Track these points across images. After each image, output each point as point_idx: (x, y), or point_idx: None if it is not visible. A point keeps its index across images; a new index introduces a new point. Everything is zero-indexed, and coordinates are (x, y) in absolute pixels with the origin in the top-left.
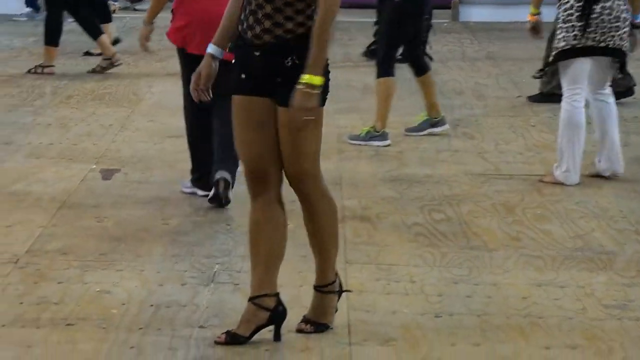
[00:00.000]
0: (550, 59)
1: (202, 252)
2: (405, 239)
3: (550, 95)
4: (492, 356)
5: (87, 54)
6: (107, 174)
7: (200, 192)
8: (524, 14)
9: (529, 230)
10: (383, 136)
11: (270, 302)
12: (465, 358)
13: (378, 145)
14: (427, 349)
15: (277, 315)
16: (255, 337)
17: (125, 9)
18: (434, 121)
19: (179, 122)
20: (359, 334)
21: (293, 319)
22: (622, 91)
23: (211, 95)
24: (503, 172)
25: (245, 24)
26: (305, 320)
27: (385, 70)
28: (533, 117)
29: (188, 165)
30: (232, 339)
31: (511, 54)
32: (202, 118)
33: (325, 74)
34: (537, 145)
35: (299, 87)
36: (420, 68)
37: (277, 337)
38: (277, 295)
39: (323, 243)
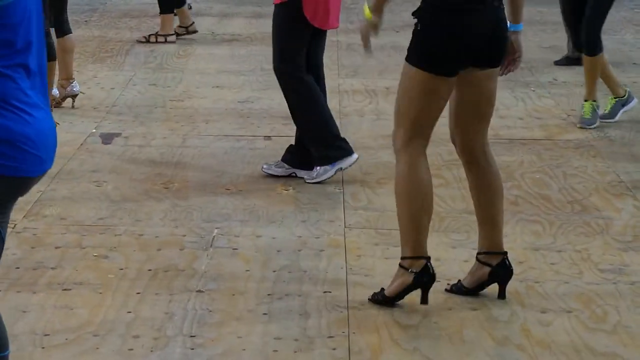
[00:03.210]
0: None
1: (201, 216)
2: None
3: (577, 60)
4: (488, 320)
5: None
6: (107, 138)
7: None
8: None
9: (527, 195)
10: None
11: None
12: (462, 322)
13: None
14: (424, 313)
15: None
16: (253, 301)
17: None
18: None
19: (180, 86)
20: (357, 297)
21: (293, 282)
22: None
23: None
24: (503, 137)
25: None
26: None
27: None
28: (533, 83)
29: (189, 127)
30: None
31: None
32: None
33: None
34: (537, 110)
35: None
36: None
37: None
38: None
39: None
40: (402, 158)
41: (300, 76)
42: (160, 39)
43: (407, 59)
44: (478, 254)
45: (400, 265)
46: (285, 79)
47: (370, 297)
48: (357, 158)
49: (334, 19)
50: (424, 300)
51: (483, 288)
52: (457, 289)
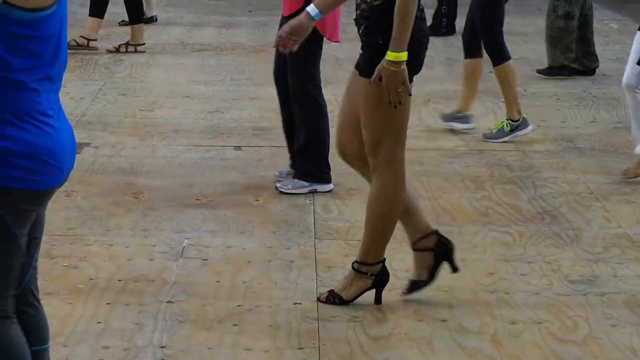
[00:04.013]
0: None
1: (172, 227)
2: None
3: (560, 68)
4: (458, 331)
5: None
6: (77, 148)
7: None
8: None
9: (497, 206)
10: (524, 124)
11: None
12: (432, 333)
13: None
14: (394, 325)
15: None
16: (223, 312)
17: None
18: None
19: (150, 96)
20: (327, 309)
21: (264, 293)
22: (584, 70)
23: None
24: (473, 148)
25: None
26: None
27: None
28: None
29: (159, 137)
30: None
31: None
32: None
33: (414, 50)
34: None
35: (382, 64)
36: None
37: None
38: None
39: (366, 218)
40: (389, 174)
41: (315, 91)
42: (131, 48)
43: (370, 75)
44: (413, 246)
45: (357, 270)
46: (300, 91)
47: (323, 299)
48: (332, 189)
49: (339, 32)
50: (378, 300)
51: (435, 273)
52: (415, 286)
